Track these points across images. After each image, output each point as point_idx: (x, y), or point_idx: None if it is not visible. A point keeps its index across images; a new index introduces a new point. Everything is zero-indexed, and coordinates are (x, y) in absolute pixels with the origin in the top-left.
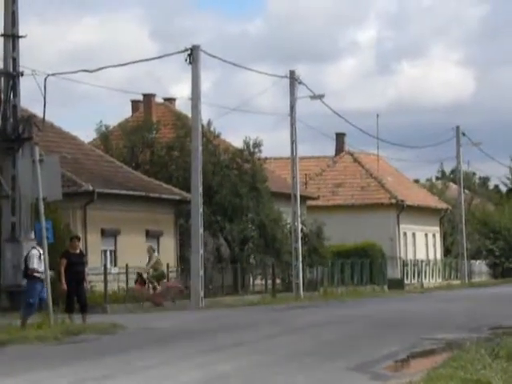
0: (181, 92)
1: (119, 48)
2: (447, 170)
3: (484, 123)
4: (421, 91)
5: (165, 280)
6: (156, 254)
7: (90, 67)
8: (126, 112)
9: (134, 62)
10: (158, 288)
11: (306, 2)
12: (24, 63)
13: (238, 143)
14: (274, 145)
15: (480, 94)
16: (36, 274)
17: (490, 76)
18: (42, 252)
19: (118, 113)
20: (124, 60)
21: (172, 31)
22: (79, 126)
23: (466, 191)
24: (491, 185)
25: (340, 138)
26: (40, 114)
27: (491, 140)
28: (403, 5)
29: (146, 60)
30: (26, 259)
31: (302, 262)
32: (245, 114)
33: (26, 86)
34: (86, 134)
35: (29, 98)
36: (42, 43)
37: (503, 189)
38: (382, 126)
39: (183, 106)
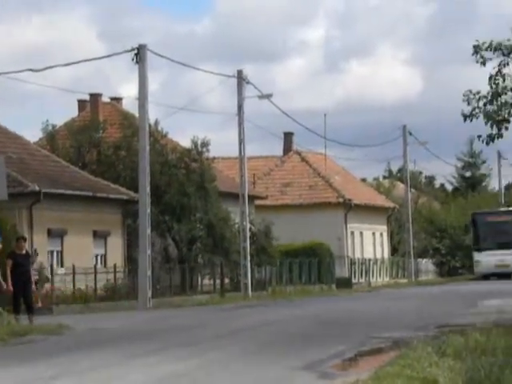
0: (129, 92)
1: (67, 48)
2: (394, 169)
3: (431, 122)
4: (369, 90)
5: (47, 284)
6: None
7: (38, 67)
8: (73, 112)
9: (80, 62)
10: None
11: (253, 2)
12: None
13: (186, 143)
14: (222, 144)
15: (427, 93)
16: None
17: (437, 75)
18: None
19: (66, 113)
20: (72, 60)
21: (120, 31)
22: (27, 125)
23: (413, 190)
24: (437, 183)
25: (288, 137)
26: None
27: (438, 139)
28: (351, 4)
29: (93, 59)
30: None
31: (251, 261)
32: (194, 113)
33: None
34: (33, 134)
35: None
36: None
37: (449, 187)
38: (331, 126)
39: (131, 105)
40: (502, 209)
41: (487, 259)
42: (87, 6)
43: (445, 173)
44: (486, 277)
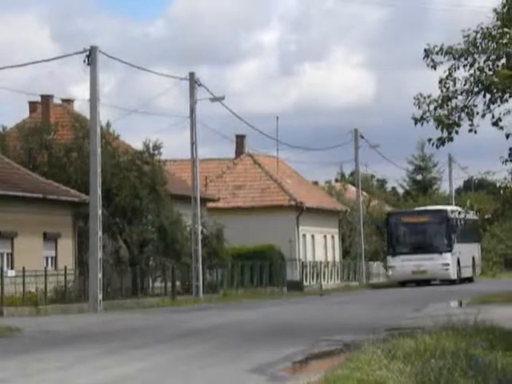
0: (82, 94)
1: (20, 49)
2: (347, 172)
3: (383, 126)
4: (323, 93)
5: None
6: None
7: None
8: (25, 113)
9: (32, 63)
10: None
11: (209, 5)
12: None
13: (139, 145)
14: (175, 147)
15: (380, 96)
16: None
17: (390, 79)
18: None
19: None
20: (24, 61)
21: (74, 32)
22: None
23: (364, 193)
24: (389, 187)
25: (240, 140)
26: None
27: (390, 143)
28: (305, 8)
29: (45, 61)
30: None
31: (202, 264)
32: (147, 115)
33: None
34: None
35: None
36: None
37: (401, 191)
38: (284, 129)
39: (83, 107)
40: (419, 209)
41: (402, 265)
42: (40, 7)
43: (396, 176)
44: (403, 284)
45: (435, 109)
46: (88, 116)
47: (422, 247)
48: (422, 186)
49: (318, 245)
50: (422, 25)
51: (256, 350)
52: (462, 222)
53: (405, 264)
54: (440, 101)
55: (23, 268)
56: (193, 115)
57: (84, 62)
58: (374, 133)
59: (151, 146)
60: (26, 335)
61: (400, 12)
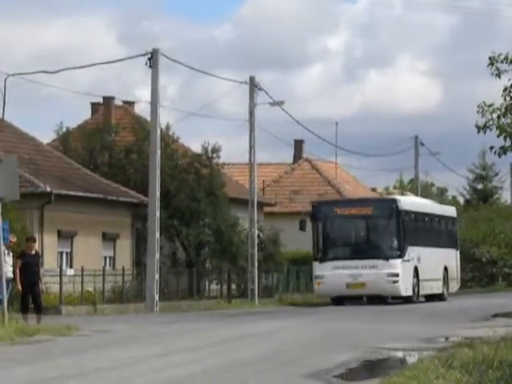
0: (147, 96)
1: (87, 51)
2: (406, 179)
3: (446, 134)
4: (386, 100)
5: None
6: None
7: (57, 69)
8: (87, 114)
9: (94, 65)
10: None
11: (276, 9)
12: None
13: (199, 148)
14: (234, 150)
15: (444, 104)
16: None
17: (456, 87)
18: (7, 252)
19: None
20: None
21: (140, 35)
22: (40, 127)
23: None
24: (449, 195)
25: (298, 144)
26: (10, 114)
27: (452, 151)
28: (373, 14)
29: (107, 63)
30: None
31: (258, 268)
32: (209, 118)
33: None
34: (46, 135)
35: None
36: (11, 44)
37: (461, 200)
38: (345, 134)
39: (145, 109)
40: (358, 197)
41: (334, 274)
42: (108, 10)
43: (457, 185)
44: (338, 301)
45: (498, 117)
46: (149, 118)
47: (361, 250)
48: (483, 195)
49: None
50: (490, 33)
51: (310, 356)
52: (428, 218)
53: (337, 273)
54: (503, 109)
55: (82, 267)
56: (252, 119)
57: (146, 64)
58: (436, 141)
59: (210, 149)
60: (84, 334)
61: (468, 20)
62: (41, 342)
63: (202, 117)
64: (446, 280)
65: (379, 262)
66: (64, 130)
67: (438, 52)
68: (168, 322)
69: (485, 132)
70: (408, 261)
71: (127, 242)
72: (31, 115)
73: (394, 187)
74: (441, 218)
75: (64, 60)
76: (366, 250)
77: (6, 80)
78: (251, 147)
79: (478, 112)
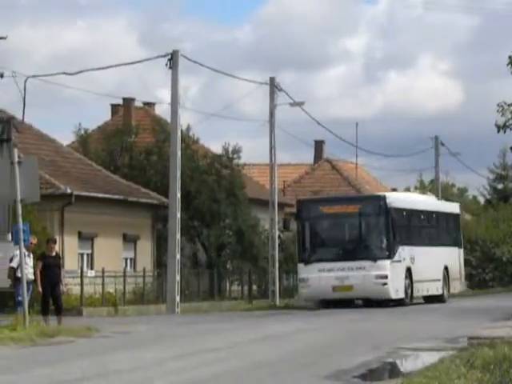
0: (167, 97)
1: (108, 53)
2: (427, 179)
3: (467, 134)
4: (407, 101)
5: None
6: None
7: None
8: (107, 116)
9: (115, 66)
10: None
11: (297, 10)
12: (13, 65)
13: (220, 149)
14: (255, 151)
15: (465, 105)
16: (18, 275)
17: (476, 87)
18: (27, 253)
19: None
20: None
21: (161, 37)
22: (63, 129)
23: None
24: (469, 195)
25: (318, 145)
26: (32, 116)
27: (473, 151)
28: (393, 15)
29: (127, 64)
30: (11, 259)
31: (279, 268)
32: (231, 119)
33: (14, 88)
34: (66, 137)
35: (19, 101)
36: (32, 46)
37: (481, 200)
38: (366, 135)
39: (167, 110)
40: (345, 195)
41: (319, 277)
42: (129, 11)
43: (477, 184)
44: (326, 304)
45: None
46: (169, 119)
47: (348, 251)
48: (503, 195)
49: None
50: (511, 33)
51: (330, 357)
52: (424, 216)
53: (323, 276)
54: None
55: (103, 269)
56: (272, 120)
57: (166, 65)
58: (457, 141)
59: (230, 149)
60: (105, 335)
61: (489, 20)
62: (61, 343)
63: (223, 118)
64: (446, 280)
65: (367, 264)
66: (83, 131)
67: (459, 52)
68: (189, 323)
69: (505, 131)
70: (399, 261)
71: (148, 243)
72: (51, 117)
73: (415, 188)
74: (440, 214)
75: (85, 62)
76: (352, 250)
77: (25, 82)
78: (271, 148)
79: (497, 111)
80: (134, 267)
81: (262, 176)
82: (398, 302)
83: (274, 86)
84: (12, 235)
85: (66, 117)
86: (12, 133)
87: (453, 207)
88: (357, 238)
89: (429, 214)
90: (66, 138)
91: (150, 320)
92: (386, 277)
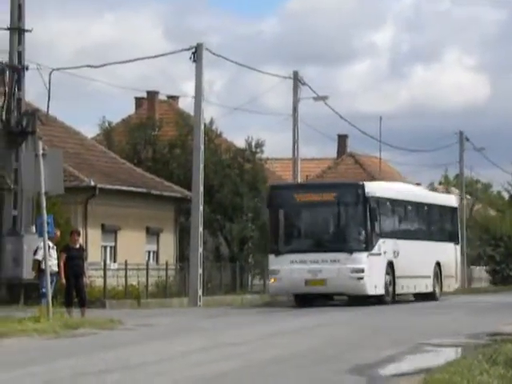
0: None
1: (134, 46)
2: (451, 175)
3: (493, 129)
4: (433, 95)
5: None
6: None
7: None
8: (131, 109)
9: (139, 59)
10: None
11: (322, 4)
12: (39, 58)
13: (243, 143)
14: (280, 145)
15: (491, 99)
16: (43, 267)
17: (503, 82)
18: (51, 245)
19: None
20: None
21: (186, 31)
22: (88, 122)
23: (468, 196)
24: (494, 191)
25: (342, 139)
26: (57, 108)
27: (499, 146)
28: (420, 8)
29: (151, 57)
30: (35, 251)
31: None
32: (254, 113)
33: (39, 80)
34: (91, 130)
35: (44, 93)
36: (60, 39)
37: (506, 195)
38: (391, 130)
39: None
40: (318, 182)
41: (291, 269)
42: (155, 5)
43: (502, 180)
44: (302, 299)
45: None
46: (192, 113)
47: (322, 242)
48: None
49: None
50: None
51: (353, 352)
52: (412, 207)
53: (294, 269)
54: None
55: (126, 261)
56: (295, 114)
57: (190, 59)
58: (483, 136)
59: (253, 144)
60: (127, 328)
61: None
62: (85, 335)
63: (247, 112)
64: (438, 278)
65: (342, 256)
66: (107, 124)
67: (486, 46)
68: (211, 316)
69: None
70: (378, 254)
71: (171, 236)
72: (76, 110)
73: (439, 183)
74: (432, 207)
75: (110, 55)
76: (327, 241)
77: (50, 74)
78: (294, 142)
79: None
80: (157, 260)
81: (285, 170)
82: (378, 299)
83: (297, 80)
84: (36, 227)
85: (90, 110)
86: (37, 125)
87: (449, 200)
88: (332, 227)
89: (418, 206)
90: (90, 130)
91: (173, 313)
92: (362, 270)
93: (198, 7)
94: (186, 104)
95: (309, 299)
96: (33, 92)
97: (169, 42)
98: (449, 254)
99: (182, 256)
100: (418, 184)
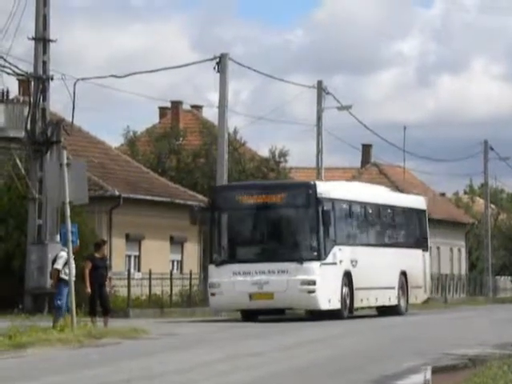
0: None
1: (160, 56)
2: (476, 184)
3: None
4: (459, 105)
5: None
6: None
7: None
8: (155, 119)
9: (163, 69)
10: None
11: (349, 14)
12: (65, 68)
13: (267, 152)
14: (304, 154)
15: None
16: (62, 276)
17: None
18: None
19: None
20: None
21: (212, 41)
22: (112, 131)
23: (493, 206)
24: None
25: (366, 149)
26: (82, 118)
27: None
28: (447, 18)
29: (176, 67)
30: (54, 260)
31: None
32: (279, 123)
33: (65, 90)
34: (115, 139)
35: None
36: (86, 49)
37: None
38: (416, 139)
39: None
40: (265, 182)
41: (233, 282)
42: (182, 15)
43: None
44: (248, 315)
45: None
46: (216, 122)
47: (269, 251)
48: None
49: (444, 257)
50: None
51: (374, 362)
52: (372, 210)
53: (237, 281)
54: None
55: (150, 270)
56: (319, 123)
57: (214, 69)
58: (509, 145)
59: (277, 153)
60: (152, 337)
61: None
62: (108, 344)
63: (272, 121)
64: (404, 289)
65: (291, 266)
66: (131, 133)
67: None
68: (234, 326)
69: None
70: (333, 264)
71: (195, 245)
72: (102, 119)
73: (465, 192)
74: (397, 209)
75: (136, 65)
76: (274, 250)
77: (75, 85)
78: (318, 151)
79: None
80: (181, 269)
81: (309, 180)
82: (333, 314)
83: (321, 90)
84: (60, 237)
85: (115, 119)
86: (61, 135)
87: (416, 201)
88: (280, 234)
89: (380, 208)
90: (115, 140)
91: (196, 323)
92: (313, 283)
93: (226, 18)
94: (210, 113)
95: (255, 313)
96: (60, 102)
97: (196, 52)
98: (416, 261)
99: (206, 265)
100: (443, 194)
